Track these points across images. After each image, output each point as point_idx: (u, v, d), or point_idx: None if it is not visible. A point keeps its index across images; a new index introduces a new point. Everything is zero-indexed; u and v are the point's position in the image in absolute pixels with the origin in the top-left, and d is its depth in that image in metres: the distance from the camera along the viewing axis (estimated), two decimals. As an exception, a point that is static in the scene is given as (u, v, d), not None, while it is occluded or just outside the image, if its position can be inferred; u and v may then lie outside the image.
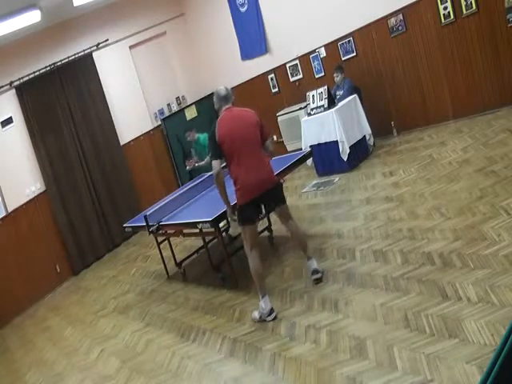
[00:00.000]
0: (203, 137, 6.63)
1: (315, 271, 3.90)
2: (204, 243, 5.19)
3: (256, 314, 3.76)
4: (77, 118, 7.91)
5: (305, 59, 7.80)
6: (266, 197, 3.70)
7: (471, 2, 5.73)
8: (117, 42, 8.54)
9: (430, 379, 2.41)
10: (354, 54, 7.09)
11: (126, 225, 5.87)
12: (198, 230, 4.44)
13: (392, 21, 6.52)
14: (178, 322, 4.42)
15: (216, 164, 3.61)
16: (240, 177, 3.62)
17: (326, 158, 6.53)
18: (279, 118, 8.01)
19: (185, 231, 4.81)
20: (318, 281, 3.89)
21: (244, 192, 3.62)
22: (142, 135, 8.79)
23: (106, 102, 8.27)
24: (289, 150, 7.84)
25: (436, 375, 2.42)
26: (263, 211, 3.97)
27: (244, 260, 5.06)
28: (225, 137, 3.58)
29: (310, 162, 6.56)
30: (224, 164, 3.71)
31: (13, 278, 6.95)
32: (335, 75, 6.85)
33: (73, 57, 7.91)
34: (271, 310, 3.68)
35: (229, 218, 3.91)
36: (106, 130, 8.25)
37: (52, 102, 7.69)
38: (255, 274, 3.74)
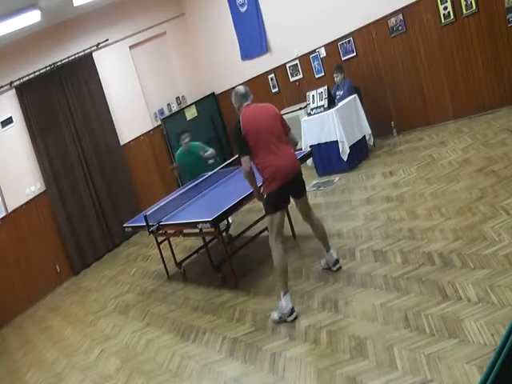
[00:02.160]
0: (194, 145, 6.11)
1: (337, 261, 3.98)
2: (204, 243, 5.19)
3: (275, 315, 3.60)
4: (77, 118, 7.92)
5: (305, 59, 7.80)
6: (293, 184, 3.70)
7: (471, 2, 5.73)
8: (117, 41, 8.54)
9: (430, 379, 2.41)
10: (354, 54, 7.09)
11: (126, 225, 5.86)
12: (198, 230, 4.44)
13: (392, 21, 6.52)
14: (178, 322, 4.42)
15: (246, 160, 3.63)
16: (268, 164, 3.61)
17: (325, 158, 6.53)
18: (279, 118, 8.00)
19: (185, 231, 4.81)
20: (339, 269, 3.97)
21: (274, 178, 3.61)
22: (141, 135, 8.80)
23: (106, 102, 8.27)
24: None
25: (436, 375, 2.42)
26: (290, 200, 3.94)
27: (244, 260, 5.08)
28: (249, 129, 3.61)
29: (309, 162, 6.56)
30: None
31: (13, 278, 6.95)
32: (335, 75, 6.84)
33: (73, 57, 7.91)
34: (292, 310, 3.53)
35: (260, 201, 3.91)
36: (106, 130, 8.25)
37: (52, 102, 7.69)
38: (279, 267, 3.63)
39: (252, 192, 4.46)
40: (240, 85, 3.84)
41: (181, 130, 6.36)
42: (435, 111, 6.57)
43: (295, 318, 3.51)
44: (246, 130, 3.62)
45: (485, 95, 6.03)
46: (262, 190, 3.83)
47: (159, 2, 9.07)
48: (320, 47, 7.49)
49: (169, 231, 5.04)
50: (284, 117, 8.30)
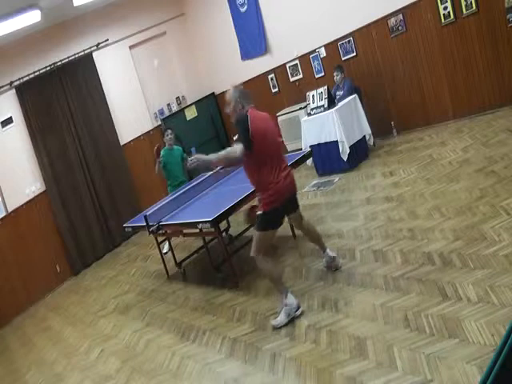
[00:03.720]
0: (178, 149, 6.40)
1: (333, 258, 3.96)
2: (204, 243, 5.19)
3: (278, 320, 3.52)
4: (77, 118, 7.92)
5: (305, 59, 7.80)
6: (290, 203, 3.63)
7: (471, 2, 5.73)
8: (117, 41, 8.54)
9: (430, 379, 2.42)
10: (354, 53, 7.09)
11: (126, 225, 5.86)
12: (198, 230, 4.43)
13: (392, 21, 6.52)
14: (178, 322, 4.42)
15: (241, 150, 3.31)
16: (276, 181, 3.44)
17: (326, 157, 6.53)
18: (279, 118, 8.01)
19: (185, 231, 4.81)
20: (338, 268, 3.97)
21: (278, 196, 3.45)
22: (142, 135, 8.80)
23: (106, 102, 8.27)
24: (289, 150, 7.84)
25: (436, 375, 2.42)
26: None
27: (244, 260, 5.08)
28: (258, 133, 3.39)
29: (309, 162, 6.56)
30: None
31: (13, 278, 6.95)
32: (335, 74, 6.84)
33: (73, 57, 7.91)
34: (298, 305, 3.55)
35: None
36: (106, 130, 8.25)
37: (52, 102, 7.69)
38: (273, 275, 3.59)
39: (252, 192, 4.47)
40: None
41: (165, 127, 6.57)
42: (435, 111, 6.57)
43: (302, 313, 3.53)
44: (253, 131, 3.36)
45: (485, 95, 6.03)
46: (259, 205, 3.59)
47: (159, 2, 9.07)
48: (320, 47, 7.49)
49: (169, 231, 5.04)
50: (284, 117, 8.38)
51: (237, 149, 3.35)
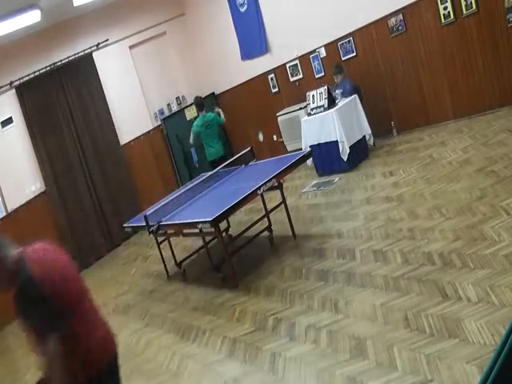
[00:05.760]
0: (209, 114, 7.10)
1: None
2: (204, 243, 5.18)
3: None
4: (77, 118, 7.92)
5: (305, 59, 7.80)
6: None
7: (471, 2, 5.73)
8: (117, 41, 8.54)
9: (430, 379, 2.42)
10: (354, 53, 7.09)
11: (126, 225, 5.86)
12: (198, 230, 4.43)
13: (392, 21, 6.52)
14: (178, 322, 4.42)
15: (55, 340, 2.11)
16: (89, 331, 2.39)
17: (326, 157, 6.53)
18: (279, 118, 8.01)
19: (185, 231, 4.81)
20: None
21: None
22: (142, 135, 8.80)
23: (106, 102, 8.27)
24: (289, 150, 7.84)
25: (436, 375, 2.42)
26: None
27: (244, 260, 5.08)
28: (55, 284, 2.24)
29: (309, 162, 6.56)
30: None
31: (13, 278, 6.94)
32: (335, 77, 6.86)
33: (73, 57, 7.92)
34: None
35: None
36: (105, 130, 8.26)
37: (52, 101, 7.69)
38: None
39: (253, 192, 4.47)
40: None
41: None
42: (435, 111, 6.57)
43: None
44: (48, 283, 2.19)
45: (485, 95, 6.03)
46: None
47: (159, 2, 9.07)
48: (320, 47, 7.49)
49: (169, 231, 5.04)
50: (284, 117, 8.42)
51: (50, 345, 2.09)
